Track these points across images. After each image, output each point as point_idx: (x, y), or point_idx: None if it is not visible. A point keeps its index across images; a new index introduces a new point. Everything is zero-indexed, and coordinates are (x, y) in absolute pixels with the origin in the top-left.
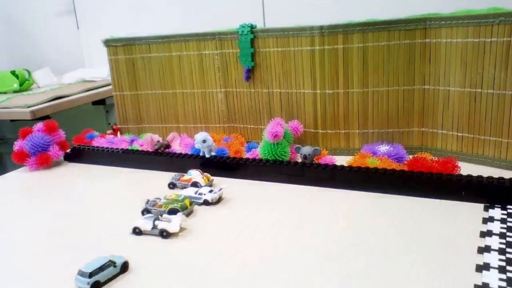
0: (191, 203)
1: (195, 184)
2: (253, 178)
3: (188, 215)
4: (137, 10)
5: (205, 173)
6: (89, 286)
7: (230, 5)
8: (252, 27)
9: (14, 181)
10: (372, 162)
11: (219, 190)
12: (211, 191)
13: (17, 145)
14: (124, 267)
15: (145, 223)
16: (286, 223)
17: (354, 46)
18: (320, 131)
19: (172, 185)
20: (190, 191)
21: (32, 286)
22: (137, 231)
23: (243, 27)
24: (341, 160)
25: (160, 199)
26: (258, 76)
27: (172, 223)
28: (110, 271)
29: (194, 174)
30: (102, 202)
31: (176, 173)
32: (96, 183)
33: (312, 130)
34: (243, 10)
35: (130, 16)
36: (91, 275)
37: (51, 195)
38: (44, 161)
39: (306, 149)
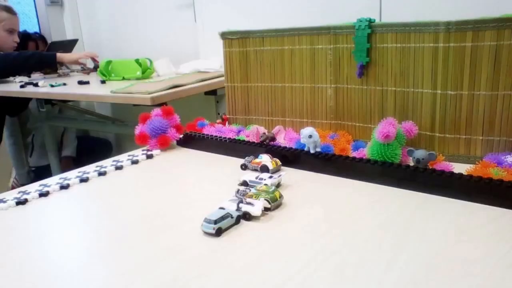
0: (280, 196)
1: (264, 167)
2: (358, 178)
3: (276, 207)
4: (251, 4)
5: (275, 158)
6: (214, 231)
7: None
8: (370, 21)
9: (127, 162)
10: (496, 173)
11: (279, 177)
12: (270, 177)
13: (138, 129)
14: (238, 219)
15: (230, 205)
16: (391, 228)
17: (485, 44)
18: (437, 134)
19: (244, 166)
20: (251, 176)
21: (137, 261)
22: None
23: (360, 21)
24: (459, 168)
25: (250, 189)
26: (372, 73)
27: (255, 206)
28: (228, 221)
29: (264, 158)
30: (206, 187)
31: (249, 156)
32: (203, 169)
33: (428, 133)
34: (358, 3)
35: (244, 11)
36: (216, 222)
37: (161, 177)
38: (164, 142)
39: (420, 153)
